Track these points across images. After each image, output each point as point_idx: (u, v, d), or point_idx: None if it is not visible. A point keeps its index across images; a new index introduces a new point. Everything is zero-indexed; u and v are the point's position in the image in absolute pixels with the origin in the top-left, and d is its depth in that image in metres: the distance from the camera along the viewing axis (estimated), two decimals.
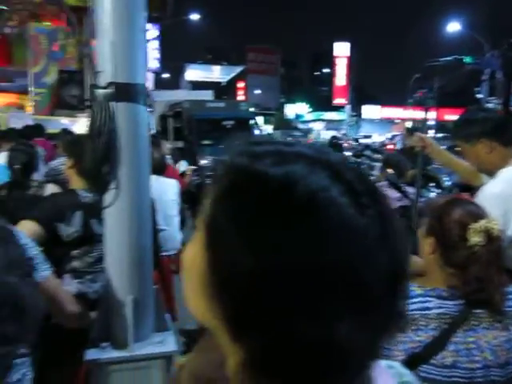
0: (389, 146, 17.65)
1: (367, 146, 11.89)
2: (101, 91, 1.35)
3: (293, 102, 54.86)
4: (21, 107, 10.70)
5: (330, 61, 54.12)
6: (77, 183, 2.19)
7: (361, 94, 57.27)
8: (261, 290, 0.36)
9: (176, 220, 3.39)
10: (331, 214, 0.37)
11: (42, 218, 1.95)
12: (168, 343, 1.56)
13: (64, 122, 8.99)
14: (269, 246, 0.36)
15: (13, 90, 11.48)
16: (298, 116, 49.79)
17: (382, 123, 41.53)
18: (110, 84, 1.34)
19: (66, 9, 9.21)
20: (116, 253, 1.54)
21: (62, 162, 4.03)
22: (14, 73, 11.47)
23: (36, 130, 6.27)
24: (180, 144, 9.28)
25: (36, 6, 10.46)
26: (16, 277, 0.57)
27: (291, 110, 51.80)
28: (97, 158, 1.40)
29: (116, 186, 1.46)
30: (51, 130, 7.79)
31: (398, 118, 38.81)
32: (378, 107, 45.10)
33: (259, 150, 0.42)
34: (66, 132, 6.28)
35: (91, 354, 1.49)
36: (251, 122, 10.67)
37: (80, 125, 8.85)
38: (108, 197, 1.49)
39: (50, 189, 2.97)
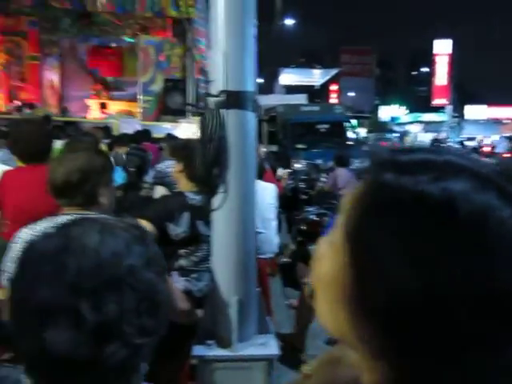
0: (485, 149, 16.03)
1: (474, 149, 10.99)
2: (212, 99, 1.39)
3: (388, 103, 52.85)
4: (130, 114, 11.59)
5: (429, 59, 51.29)
6: (184, 186, 2.31)
7: (463, 93, 53.47)
8: (420, 312, 0.34)
9: (273, 224, 3.44)
10: (503, 234, 0.33)
11: (155, 217, 2.09)
12: (270, 346, 1.57)
13: (167, 126, 9.56)
14: (433, 268, 0.34)
15: (124, 98, 12.50)
16: (393, 118, 47.84)
17: (488, 124, 38.26)
18: (221, 92, 1.38)
19: (184, 19, 9.77)
20: (223, 254, 1.59)
21: (168, 165, 4.28)
22: (125, 82, 12.49)
23: (144, 135, 6.73)
24: (274, 148, 9.39)
25: (146, 20, 11.27)
26: (154, 273, 0.62)
27: (386, 112, 49.93)
28: (207, 162, 1.45)
29: (225, 190, 1.50)
30: (156, 134, 8.34)
31: (508, 119, 35.57)
32: (484, 107, 41.70)
33: (406, 161, 0.39)
34: (170, 136, 6.66)
35: (198, 351, 1.55)
36: (346, 125, 10.47)
37: (182, 129, 9.35)
38: (216, 200, 1.54)
39: (159, 190, 3.17)
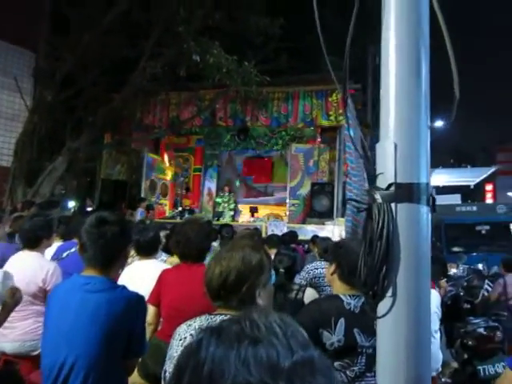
0: None
1: None
2: (381, 193, 1.28)
3: None
4: (278, 217, 12.07)
5: None
6: (338, 288, 2.14)
7: None
8: None
9: (438, 336, 2.98)
10: None
11: (308, 323, 1.93)
12: None
13: (313, 229, 9.66)
14: None
15: (272, 202, 13.18)
16: None
17: None
18: (391, 185, 1.26)
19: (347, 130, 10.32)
20: (391, 371, 1.34)
21: (316, 267, 4.18)
22: (275, 188, 13.26)
23: (291, 237, 6.84)
24: None
25: (297, 131, 12.15)
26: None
27: None
28: (374, 262, 1.29)
29: (393, 294, 1.30)
30: (302, 236, 8.43)
31: None
32: None
33: None
34: (317, 238, 6.63)
35: None
36: None
37: (326, 231, 9.33)
38: (382, 306, 1.34)
39: (310, 293, 3.02)
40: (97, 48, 9.30)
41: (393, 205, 1.28)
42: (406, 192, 1.26)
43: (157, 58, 9.33)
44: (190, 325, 1.58)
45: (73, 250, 3.79)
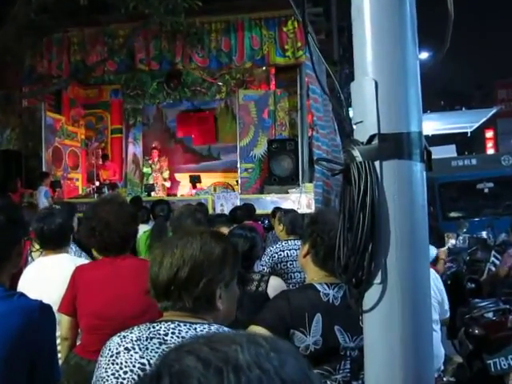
0: None
1: None
2: (360, 148, 1.25)
3: None
4: (227, 186, 12.07)
5: None
6: (312, 275, 2.16)
7: None
8: None
9: (438, 327, 3.10)
10: None
11: (275, 323, 1.95)
12: None
13: (273, 199, 9.74)
14: None
15: (218, 168, 13.12)
16: None
17: None
18: (373, 136, 1.24)
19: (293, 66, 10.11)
20: (383, 380, 1.36)
21: (280, 248, 4.21)
22: (221, 149, 13.16)
23: (246, 212, 6.86)
24: None
25: (245, 73, 12.02)
26: None
27: None
28: (356, 240, 1.28)
29: (381, 280, 1.31)
30: (260, 210, 8.48)
31: None
32: None
33: None
34: (278, 210, 6.68)
35: None
36: None
37: (291, 202, 9.43)
38: (369, 296, 1.34)
39: (274, 283, 3.04)
40: None
41: (377, 163, 1.26)
42: (393, 145, 1.24)
43: None
44: (124, 336, 1.54)
45: None
